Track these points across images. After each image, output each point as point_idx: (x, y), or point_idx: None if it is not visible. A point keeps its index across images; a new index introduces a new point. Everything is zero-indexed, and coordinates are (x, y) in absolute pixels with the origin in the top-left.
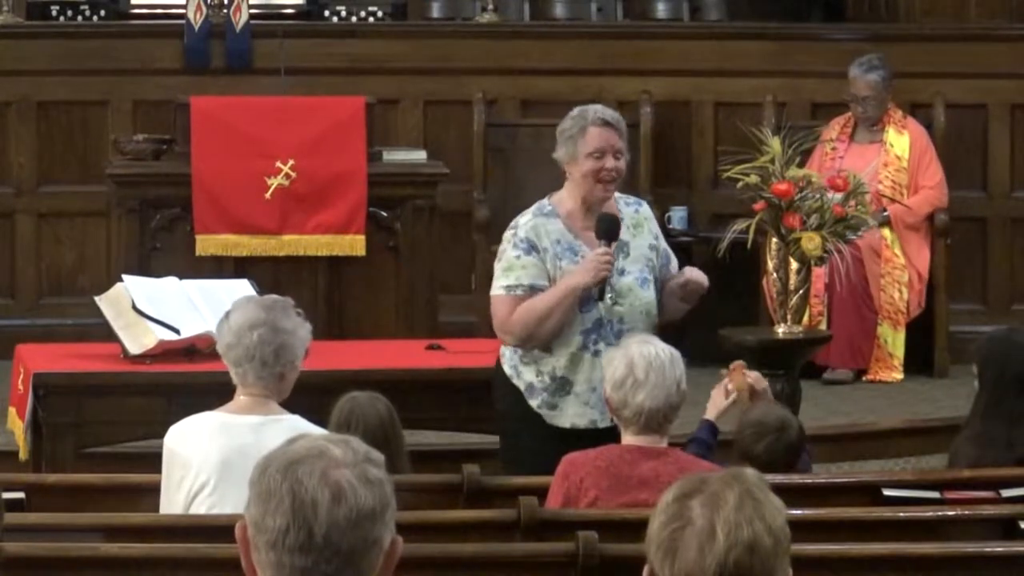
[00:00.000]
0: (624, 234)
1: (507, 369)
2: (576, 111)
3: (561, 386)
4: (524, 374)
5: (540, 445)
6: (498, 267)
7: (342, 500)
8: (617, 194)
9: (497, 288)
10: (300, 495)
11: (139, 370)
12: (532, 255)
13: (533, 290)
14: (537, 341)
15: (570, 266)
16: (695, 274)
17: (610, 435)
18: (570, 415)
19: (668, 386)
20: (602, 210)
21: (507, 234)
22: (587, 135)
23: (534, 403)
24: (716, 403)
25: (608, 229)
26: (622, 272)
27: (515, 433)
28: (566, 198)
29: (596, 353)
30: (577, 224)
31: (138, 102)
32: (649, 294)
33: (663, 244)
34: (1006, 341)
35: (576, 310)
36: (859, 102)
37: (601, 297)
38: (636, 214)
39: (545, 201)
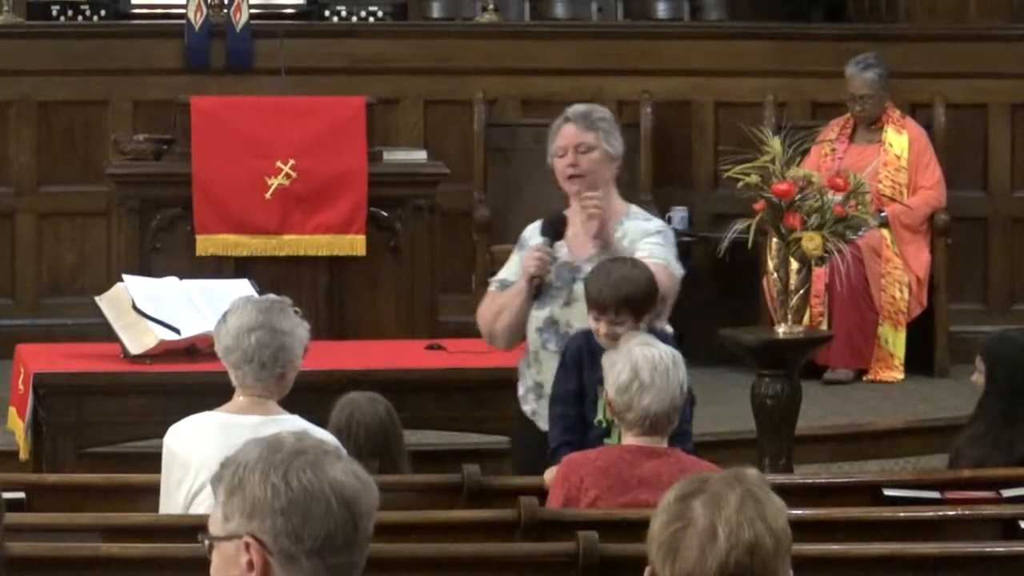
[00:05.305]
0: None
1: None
2: None
3: (535, 388)
4: (521, 381)
5: (532, 451)
6: None
7: (369, 487)
8: (637, 209)
9: None
10: (340, 491)
11: (139, 370)
12: (518, 252)
13: (504, 286)
14: (498, 339)
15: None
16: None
17: None
18: (547, 418)
19: (672, 388)
20: (606, 217)
21: None
22: (557, 134)
23: (526, 409)
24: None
25: (549, 226)
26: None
27: (515, 440)
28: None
29: (551, 350)
30: (574, 225)
31: (138, 102)
32: None
33: (648, 248)
34: (1017, 343)
35: (530, 308)
36: (856, 101)
37: (536, 294)
38: (638, 230)
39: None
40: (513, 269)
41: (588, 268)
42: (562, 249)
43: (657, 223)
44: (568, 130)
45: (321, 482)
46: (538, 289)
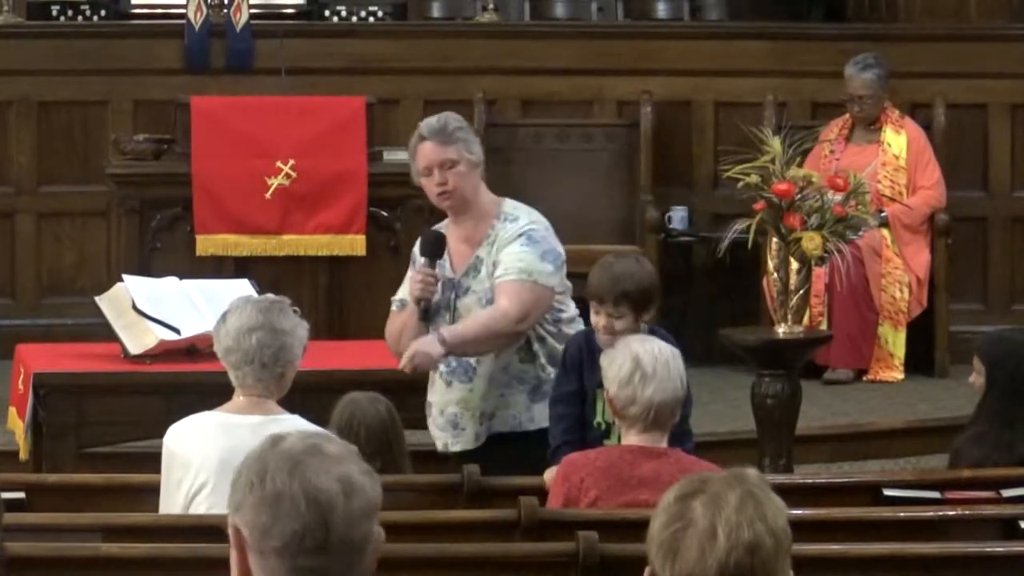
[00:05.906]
0: (482, 251)
1: None
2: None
3: (428, 406)
4: None
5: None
6: None
7: (353, 494)
8: (512, 205)
9: None
10: (313, 495)
11: (139, 370)
12: (411, 270)
13: (403, 305)
14: None
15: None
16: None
17: (461, 458)
18: (434, 438)
19: (674, 379)
20: (472, 220)
21: None
22: (417, 153)
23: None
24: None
25: (428, 247)
26: (467, 291)
27: None
28: None
29: (443, 373)
30: (450, 237)
31: (138, 102)
32: None
33: (507, 260)
34: (1016, 343)
35: (426, 328)
36: (855, 101)
37: (424, 317)
38: (505, 236)
39: None
40: (407, 287)
41: (467, 284)
42: (445, 267)
43: (523, 222)
44: (427, 148)
45: (294, 482)
46: (426, 312)
